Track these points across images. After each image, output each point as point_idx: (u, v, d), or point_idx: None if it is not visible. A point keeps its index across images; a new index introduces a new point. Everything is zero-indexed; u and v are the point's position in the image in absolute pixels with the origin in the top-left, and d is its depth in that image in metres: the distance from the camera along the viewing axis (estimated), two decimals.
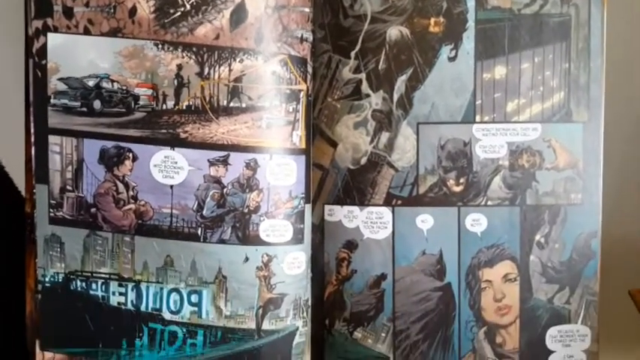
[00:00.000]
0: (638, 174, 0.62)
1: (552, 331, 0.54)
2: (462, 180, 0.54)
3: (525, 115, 0.54)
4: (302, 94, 0.53)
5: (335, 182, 0.55)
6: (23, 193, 0.55)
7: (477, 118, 0.54)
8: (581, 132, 0.54)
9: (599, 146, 0.54)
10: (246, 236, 0.52)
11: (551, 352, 0.54)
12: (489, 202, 0.54)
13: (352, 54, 0.54)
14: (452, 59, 0.54)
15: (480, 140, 0.54)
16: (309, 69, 0.54)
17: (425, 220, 0.54)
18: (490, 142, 0.54)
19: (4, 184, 0.59)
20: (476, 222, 0.54)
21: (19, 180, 0.56)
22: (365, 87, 0.54)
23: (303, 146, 0.53)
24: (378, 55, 0.54)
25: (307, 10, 0.53)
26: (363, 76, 0.54)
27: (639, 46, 0.61)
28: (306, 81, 0.53)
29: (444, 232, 0.54)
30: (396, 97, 0.54)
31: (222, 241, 0.52)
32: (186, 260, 0.52)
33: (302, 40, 0.53)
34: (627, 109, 0.60)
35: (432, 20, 0.53)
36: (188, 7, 0.51)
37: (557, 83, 0.54)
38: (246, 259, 0.52)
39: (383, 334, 0.55)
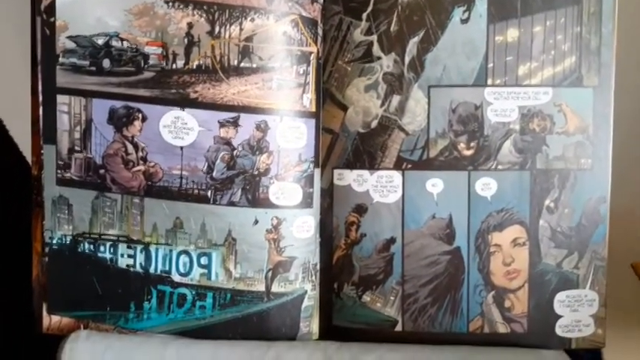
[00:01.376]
0: None
1: (560, 296, 0.55)
2: (472, 144, 0.54)
3: (537, 79, 0.54)
4: (312, 56, 0.53)
5: (345, 146, 0.55)
6: (28, 156, 0.55)
7: (489, 82, 0.53)
8: (592, 97, 0.54)
9: (610, 111, 0.54)
10: (256, 199, 0.52)
11: (559, 316, 0.55)
12: (500, 166, 0.54)
13: (364, 16, 0.54)
14: (464, 21, 0.53)
15: (491, 104, 0.54)
16: (320, 31, 0.53)
17: (435, 184, 0.54)
18: (501, 106, 0.54)
19: (7, 149, 0.59)
20: (486, 186, 0.54)
21: (25, 143, 0.56)
22: (376, 49, 0.54)
23: (314, 109, 0.53)
24: (390, 16, 0.53)
25: None
26: (374, 38, 0.54)
27: None
28: (316, 43, 0.53)
29: (454, 196, 0.54)
30: (407, 59, 0.54)
31: (232, 204, 0.52)
32: (196, 222, 0.52)
33: (313, 0, 0.53)
34: (638, 75, 0.60)
35: None
36: None
37: (568, 47, 0.54)
38: (256, 221, 0.52)
39: (392, 298, 0.55)
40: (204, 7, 0.51)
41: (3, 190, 0.58)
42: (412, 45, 0.54)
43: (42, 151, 0.53)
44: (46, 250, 0.54)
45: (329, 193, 0.55)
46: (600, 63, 0.54)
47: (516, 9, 0.53)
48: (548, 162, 0.54)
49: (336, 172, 0.55)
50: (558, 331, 0.55)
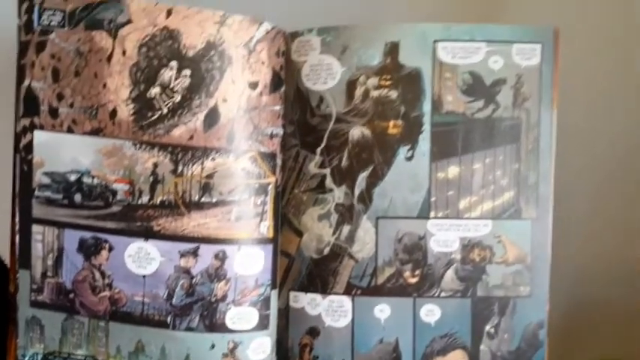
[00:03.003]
0: (587, 266, 0.65)
1: None
2: (417, 272, 0.58)
3: (477, 212, 0.58)
4: (270, 186, 0.57)
5: (300, 270, 0.59)
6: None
7: (432, 214, 0.58)
8: (530, 228, 0.58)
9: (547, 241, 0.58)
10: (213, 324, 0.56)
11: None
12: (443, 294, 0.58)
13: (318, 150, 0.58)
14: (409, 159, 0.58)
15: (434, 235, 0.58)
16: (279, 161, 0.58)
17: (382, 309, 0.58)
18: (444, 237, 0.58)
19: None
20: (430, 312, 0.57)
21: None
22: (329, 182, 0.58)
23: (271, 235, 0.57)
24: (342, 152, 0.58)
25: (278, 108, 0.58)
26: (327, 171, 0.58)
27: (587, 146, 0.65)
28: (274, 173, 0.57)
29: (400, 322, 0.57)
30: (357, 192, 0.58)
31: (189, 329, 0.55)
32: (157, 346, 0.56)
33: (272, 136, 0.57)
34: (575, 206, 0.64)
35: (391, 123, 0.57)
36: (165, 110, 0.55)
37: (507, 182, 0.58)
38: (213, 346, 0.55)
39: None
40: (169, 149, 0.55)
41: None
42: (361, 179, 0.58)
43: (18, 275, 0.57)
44: None
45: (285, 313, 0.59)
46: (538, 196, 0.58)
47: (457, 148, 0.58)
48: (488, 290, 0.58)
49: (292, 294, 0.59)
50: None
